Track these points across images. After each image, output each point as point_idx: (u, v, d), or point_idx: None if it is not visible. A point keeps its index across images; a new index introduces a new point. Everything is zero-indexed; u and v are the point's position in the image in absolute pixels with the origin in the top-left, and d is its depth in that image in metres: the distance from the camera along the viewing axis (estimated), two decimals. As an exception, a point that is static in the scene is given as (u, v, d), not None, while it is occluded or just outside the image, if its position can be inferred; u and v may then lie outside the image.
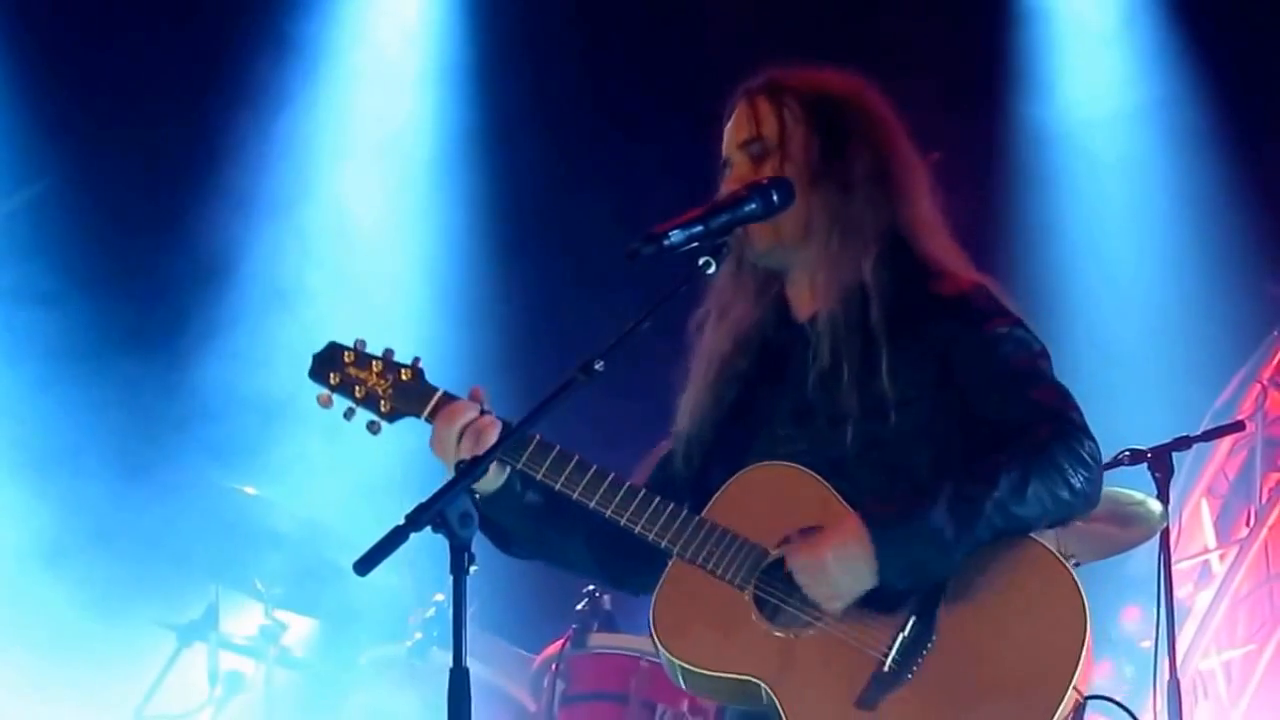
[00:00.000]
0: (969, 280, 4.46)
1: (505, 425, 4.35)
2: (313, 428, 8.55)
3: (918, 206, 4.52)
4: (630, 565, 4.57)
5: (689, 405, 4.58)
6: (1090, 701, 4.25)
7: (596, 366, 3.96)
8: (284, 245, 9.47)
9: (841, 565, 4.15)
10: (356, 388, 4.46)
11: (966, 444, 4.28)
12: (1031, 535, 4.23)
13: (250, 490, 8.02)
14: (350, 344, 4.51)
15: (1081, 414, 4.30)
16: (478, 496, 4.38)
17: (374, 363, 4.47)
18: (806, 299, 4.54)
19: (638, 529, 4.32)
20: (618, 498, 4.33)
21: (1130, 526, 6.65)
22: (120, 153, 9.41)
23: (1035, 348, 4.40)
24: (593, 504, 4.34)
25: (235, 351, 9.09)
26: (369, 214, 9.80)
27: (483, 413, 4.38)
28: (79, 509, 8.78)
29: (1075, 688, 4.13)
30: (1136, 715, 4.59)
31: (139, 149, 9.42)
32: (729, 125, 4.56)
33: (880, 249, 4.44)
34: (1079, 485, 4.21)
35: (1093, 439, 4.27)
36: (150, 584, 8.46)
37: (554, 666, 7.12)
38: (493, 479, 4.42)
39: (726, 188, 4.47)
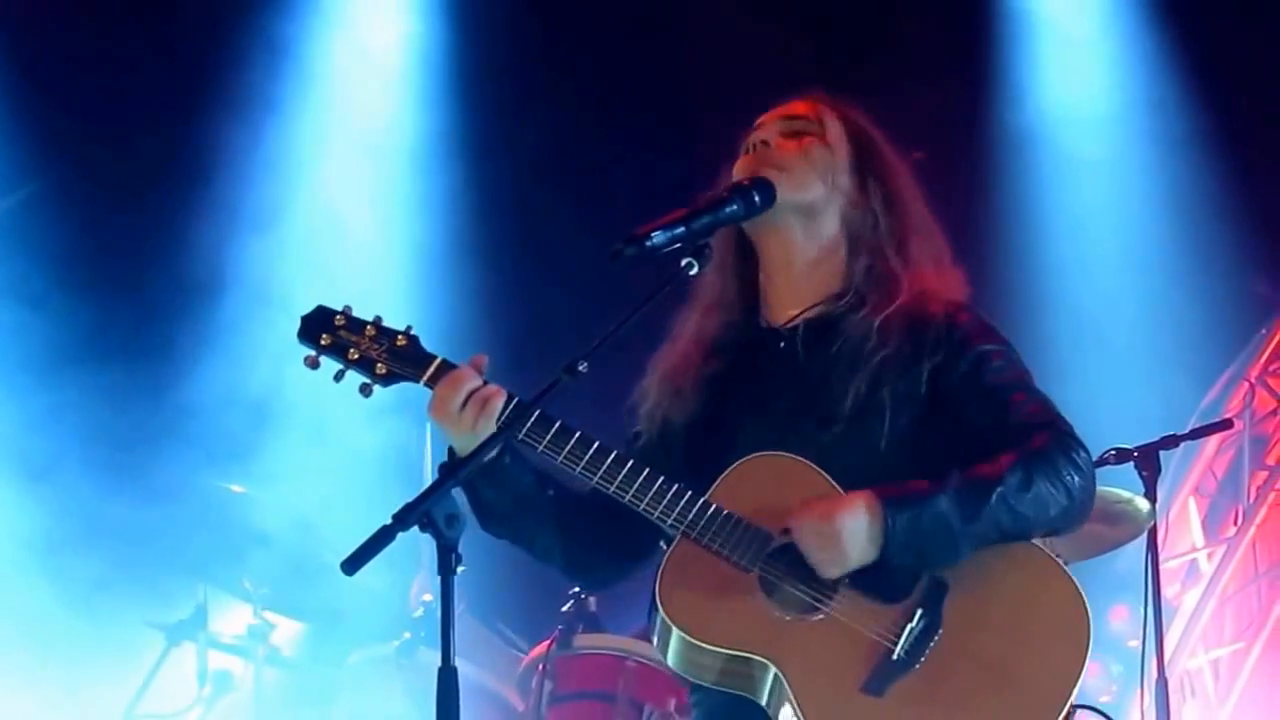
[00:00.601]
0: (957, 301, 4.52)
1: (509, 395, 4.31)
2: (301, 427, 8.56)
3: (918, 236, 4.58)
4: (597, 564, 4.62)
5: (658, 405, 4.59)
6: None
7: (580, 367, 3.96)
8: (270, 249, 9.46)
9: (850, 532, 4.17)
10: (350, 350, 4.38)
11: (956, 453, 4.30)
12: (1034, 543, 4.26)
13: (238, 490, 8.03)
14: (339, 308, 4.46)
15: (1071, 426, 4.34)
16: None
17: (367, 327, 4.42)
18: (788, 303, 4.57)
19: (641, 506, 4.30)
20: (621, 474, 4.31)
21: (1118, 525, 6.66)
22: (107, 156, 9.41)
23: (1021, 367, 4.46)
24: (595, 480, 4.31)
25: (223, 353, 9.08)
26: (355, 218, 9.81)
27: (485, 383, 4.35)
28: (67, 510, 8.76)
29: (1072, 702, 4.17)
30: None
31: (126, 152, 9.41)
32: (775, 109, 4.66)
33: (873, 263, 4.50)
34: (1076, 491, 4.25)
35: (1085, 449, 4.32)
36: (139, 584, 8.45)
37: (541, 667, 7.13)
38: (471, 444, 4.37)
39: (748, 161, 4.53)
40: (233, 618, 8.26)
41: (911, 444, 4.36)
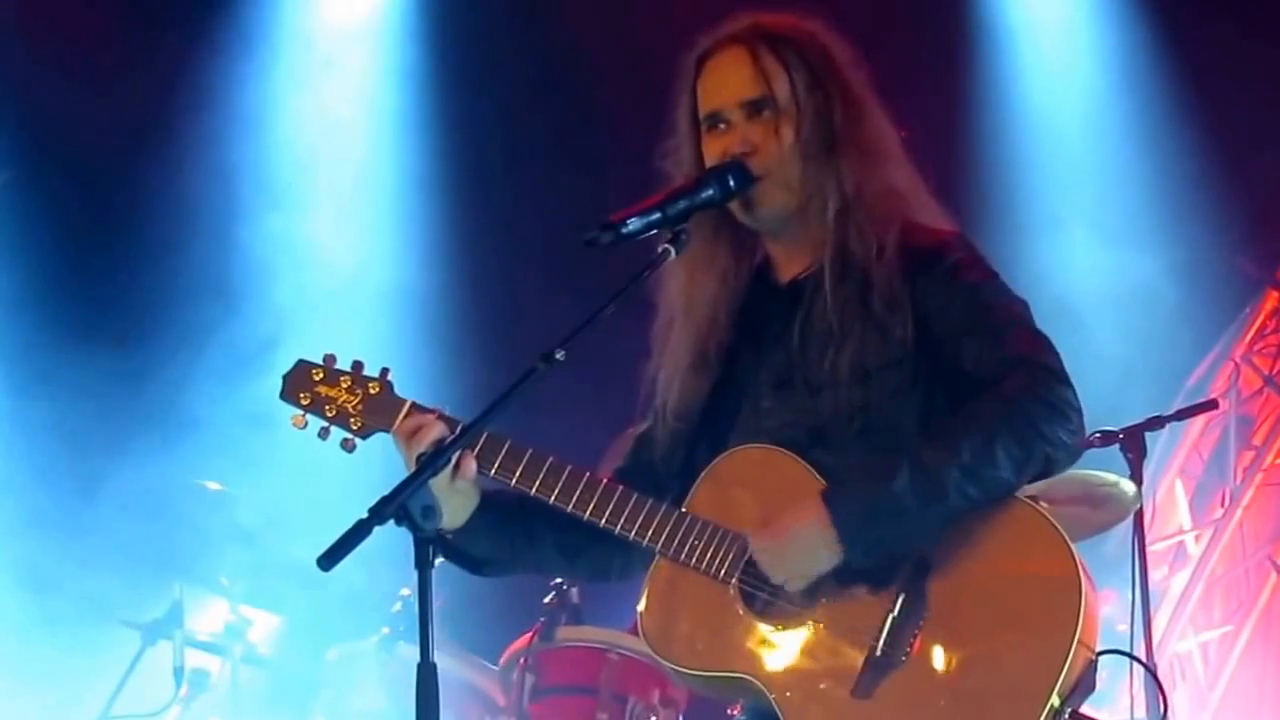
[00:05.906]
0: (944, 231, 4.39)
1: (456, 423, 4.27)
2: (276, 423, 8.48)
3: (906, 166, 4.45)
4: (601, 554, 4.48)
5: (675, 379, 4.48)
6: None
7: (558, 355, 3.88)
8: (247, 241, 9.44)
9: (801, 547, 4.09)
10: (327, 406, 4.41)
11: (948, 396, 4.21)
12: (1017, 495, 4.12)
13: (214, 486, 7.98)
14: (319, 360, 4.45)
15: (1059, 359, 4.20)
16: (449, 535, 4.34)
17: (342, 378, 4.42)
18: (794, 259, 4.44)
19: (618, 529, 4.25)
20: (595, 499, 4.27)
21: (1103, 509, 6.65)
22: (82, 144, 9.39)
23: (1011, 296, 4.32)
24: (570, 508, 4.27)
25: (198, 349, 9.06)
26: (336, 202, 9.81)
27: (446, 422, 4.30)
28: (42, 508, 8.73)
29: (1084, 644, 4.04)
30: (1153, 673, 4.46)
31: (101, 142, 9.41)
32: (720, 75, 4.41)
33: (875, 212, 4.33)
34: (1051, 434, 4.10)
35: (1068, 385, 4.16)
36: (114, 582, 8.39)
37: (523, 660, 7.09)
38: (460, 513, 4.35)
39: (722, 143, 4.35)
40: (210, 615, 8.24)
41: (907, 395, 4.25)
